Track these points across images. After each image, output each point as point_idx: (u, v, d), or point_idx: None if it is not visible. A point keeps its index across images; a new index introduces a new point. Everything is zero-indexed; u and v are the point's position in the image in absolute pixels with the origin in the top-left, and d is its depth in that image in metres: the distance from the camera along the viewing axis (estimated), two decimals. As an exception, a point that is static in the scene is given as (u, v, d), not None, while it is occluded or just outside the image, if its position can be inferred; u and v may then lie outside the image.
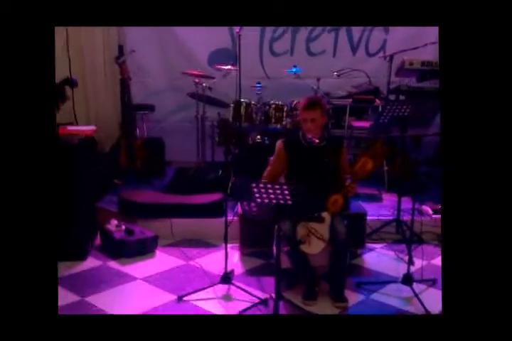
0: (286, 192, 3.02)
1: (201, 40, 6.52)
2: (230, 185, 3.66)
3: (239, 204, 3.70)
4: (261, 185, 3.04)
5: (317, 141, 3.67)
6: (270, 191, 3.04)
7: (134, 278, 3.88)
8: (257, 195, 3.08)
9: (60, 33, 5.62)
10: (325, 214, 3.50)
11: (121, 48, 6.14)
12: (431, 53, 6.10)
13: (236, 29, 5.23)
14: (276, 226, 3.30)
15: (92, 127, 4.71)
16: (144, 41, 6.40)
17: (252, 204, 3.21)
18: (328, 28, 6.67)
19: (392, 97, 5.93)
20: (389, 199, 5.21)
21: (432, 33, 5.79)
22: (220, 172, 5.33)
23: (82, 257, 4.18)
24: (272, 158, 3.95)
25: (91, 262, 4.15)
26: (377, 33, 6.70)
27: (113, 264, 4.12)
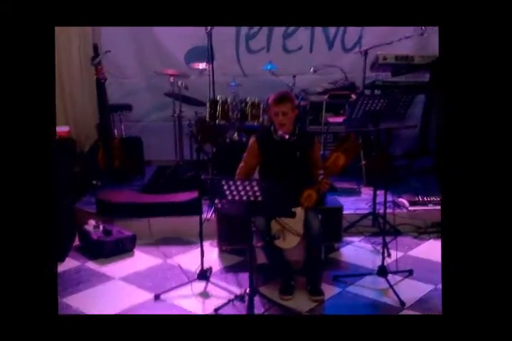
0: (256, 188, 3.06)
1: (178, 39, 6.53)
2: (201, 183, 3.69)
3: (211, 201, 3.71)
4: (230, 182, 3.08)
5: (287, 136, 3.69)
6: (240, 188, 3.09)
7: (112, 278, 3.88)
8: (228, 192, 3.13)
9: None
10: (298, 209, 3.52)
11: (96, 48, 6.11)
12: (406, 48, 6.19)
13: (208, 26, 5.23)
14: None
15: (66, 128, 4.73)
16: (119, 40, 6.42)
17: (224, 201, 3.23)
18: (304, 23, 6.71)
19: (368, 92, 5.97)
20: (367, 193, 5.24)
21: (407, 27, 5.87)
22: (192, 171, 5.34)
23: (60, 258, 4.18)
24: (245, 155, 3.97)
25: (69, 263, 4.14)
26: (353, 28, 6.73)
27: (91, 265, 4.12)
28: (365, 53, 5.44)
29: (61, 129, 4.66)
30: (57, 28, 5.71)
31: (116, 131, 5.90)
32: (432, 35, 5.39)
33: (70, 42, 6.10)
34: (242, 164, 3.90)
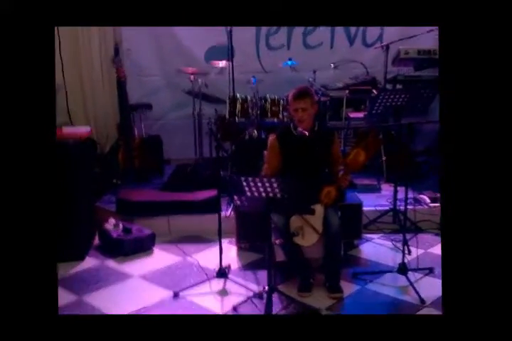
0: (275, 185, 3.05)
1: (198, 37, 6.50)
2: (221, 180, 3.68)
3: (231, 198, 3.71)
4: (250, 179, 3.08)
5: (307, 133, 3.65)
6: (259, 185, 3.10)
7: (131, 276, 3.90)
8: (247, 189, 3.13)
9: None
10: (318, 206, 3.49)
11: (117, 48, 6.15)
12: (428, 42, 6.08)
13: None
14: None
15: (87, 128, 4.74)
16: (140, 40, 6.43)
17: (243, 198, 3.22)
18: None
19: (389, 87, 5.90)
20: (388, 189, 5.18)
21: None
22: (212, 169, 5.33)
23: (81, 257, 4.21)
24: (266, 153, 3.94)
25: (89, 262, 4.18)
26: (374, 24, 6.67)
27: (111, 263, 4.14)
28: (387, 48, 5.39)
29: (82, 130, 4.67)
30: (78, 29, 5.87)
31: (136, 131, 5.90)
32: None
33: (91, 42, 6.13)
34: (265, 165, 3.87)
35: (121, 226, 4.40)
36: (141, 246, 4.32)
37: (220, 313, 3.34)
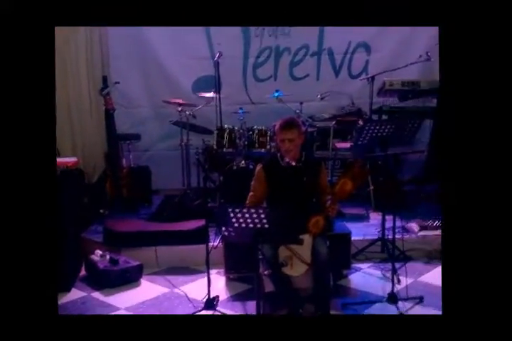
0: (262, 216, 3.04)
1: (185, 68, 6.61)
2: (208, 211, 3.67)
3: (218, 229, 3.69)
4: (237, 210, 3.06)
5: (294, 163, 3.67)
6: (247, 215, 3.07)
7: (118, 308, 3.84)
8: (234, 220, 3.10)
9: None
10: (306, 236, 3.48)
11: (105, 79, 6.19)
12: (413, 72, 6.21)
13: (215, 56, 5.28)
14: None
15: (74, 159, 4.74)
16: (128, 71, 6.49)
17: (231, 229, 3.21)
18: (311, 52, 6.77)
19: (375, 118, 5.97)
20: (376, 218, 5.19)
21: (412, 52, 5.92)
22: (200, 199, 5.32)
23: (67, 288, 4.15)
24: (252, 182, 3.95)
25: (75, 293, 4.11)
26: (360, 55, 6.79)
27: (97, 295, 4.09)
28: (372, 79, 5.46)
29: (69, 160, 4.67)
30: (67, 59, 5.90)
31: (124, 161, 5.90)
32: (437, 61, 5.42)
33: (79, 73, 6.19)
34: (251, 193, 3.87)
35: (108, 257, 4.36)
36: (128, 278, 4.27)
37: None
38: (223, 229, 3.26)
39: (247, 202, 3.84)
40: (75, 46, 6.09)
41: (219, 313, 3.64)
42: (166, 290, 4.15)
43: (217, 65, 5.25)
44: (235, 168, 5.55)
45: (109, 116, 5.73)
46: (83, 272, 4.50)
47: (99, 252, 4.43)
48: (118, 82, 5.92)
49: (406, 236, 4.60)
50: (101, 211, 5.43)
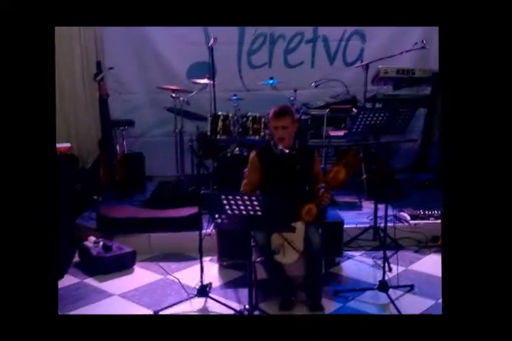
0: (255, 203, 3.04)
1: (180, 54, 6.58)
2: (201, 197, 3.67)
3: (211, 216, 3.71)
4: (230, 197, 3.06)
5: (287, 150, 3.68)
6: (239, 202, 3.07)
7: (111, 295, 3.86)
8: (227, 207, 3.11)
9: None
10: (299, 224, 3.50)
11: (99, 64, 6.14)
12: (408, 61, 6.21)
13: (210, 42, 5.25)
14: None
15: (67, 144, 4.72)
16: (122, 57, 6.45)
17: (223, 216, 3.22)
18: (306, 39, 6.75)
19: (369, 106, 5.98)
20: (369, 206, 5.21)
21: (407, 40, 5.91)
22: (194, 186, 5.33)
23: (60, 275, 4.16)
24: (246, 170, 3.96)
25: (69, 280, 4.12)
26: (355, 43, 6.78)
27: (90, 281, 4.10)
28: (367, 67, 5.45)
29: (62, 146, 4.65)
30: (59, 46, 5.86)
31: (118, 147, 5.90)
32: (432, 49, 5.42)
33: (73, 59, 6.14)
34: (245, 180, 3.88)
35: (101, 243, 4.37)
36: (122, 264, 4.29)
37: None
38: (216, 216, 3.28)
39: (241, 189, 3.85)
40: (68, 31, 6.03)
41: (212, 300, 3.66)
42: (159, 276, 4.17)
43: (211, 50, 5.22)
44: (228, 154, 5.57)
45: (103, 102, 5.70)
46: (76, 258, 4.51)
47: (92, 238, 4.43)
48: (112, 68, 5.89)
49: (398, 225, 4.61)
50: (95, 197, 5.44)
